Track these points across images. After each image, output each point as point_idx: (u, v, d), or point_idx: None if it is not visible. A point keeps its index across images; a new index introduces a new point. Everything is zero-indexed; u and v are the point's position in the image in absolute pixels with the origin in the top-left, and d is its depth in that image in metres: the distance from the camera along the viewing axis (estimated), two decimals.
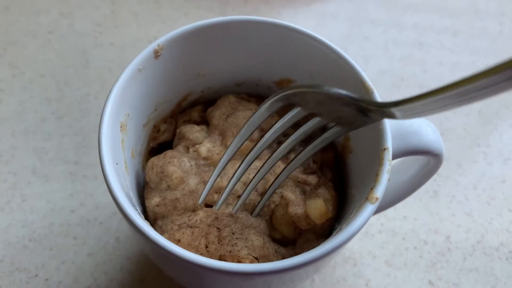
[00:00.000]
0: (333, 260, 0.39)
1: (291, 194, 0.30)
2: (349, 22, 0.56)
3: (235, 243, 0.28)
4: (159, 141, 0.34)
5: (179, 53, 0.31)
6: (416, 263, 0.40)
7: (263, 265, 0.23)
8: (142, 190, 0.32)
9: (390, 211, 0.42)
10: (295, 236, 0.30)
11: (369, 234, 0.41)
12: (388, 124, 0.28)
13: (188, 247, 0.28)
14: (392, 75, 0.52)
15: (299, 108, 0.26)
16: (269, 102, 0.26)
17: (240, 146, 0.27)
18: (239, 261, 0.27)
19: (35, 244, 0.38)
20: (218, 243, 0.28)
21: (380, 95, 0.29)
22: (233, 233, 0.29)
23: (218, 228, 0.29)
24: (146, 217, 0.31)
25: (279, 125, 0.27)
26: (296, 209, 0.29)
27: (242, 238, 0.28)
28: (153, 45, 0.30)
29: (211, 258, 0.27)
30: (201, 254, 0.28)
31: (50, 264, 0.37)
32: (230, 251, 0.28)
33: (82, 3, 0.54)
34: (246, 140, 0.27)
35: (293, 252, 0.30)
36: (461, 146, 0.47)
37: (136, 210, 0.27)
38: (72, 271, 0.37)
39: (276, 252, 0.29)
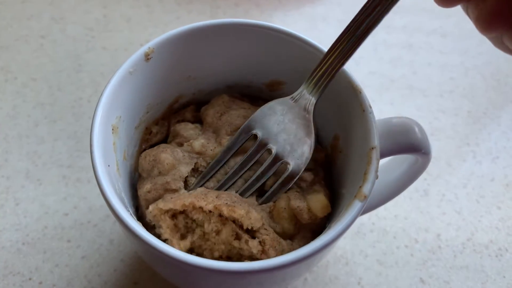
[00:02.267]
0: (324, 258, 0.39)
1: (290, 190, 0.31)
2: (339, 24, 0.57)
3: (233, 204, 0.28)
4: (151, 143, 0.35)
5: (170, 55, 0.32)
6: (407, 261, 0.40)
7: (254, 264, 0.24)
8: (135, 192, 0.33)
9: (381, 210, 0.42)
10: (294, 232, 0.31)
11: (361, 233, 0.41)
12: (376, 124, 0.28)
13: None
14: (382, 76, 0.53)
15: (258, 138, 0.30)
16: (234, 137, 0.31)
17: (221, 166, 0.31)
18: (232, 211, 0.28)
19: (28, 247, 0.38)
20: (216, 197, 0.29)
21: (370, 96, 0.29)
22: (233, 202, 0.29)
23: (217, 196, 0.29)
24: (139, 218, 0.31)
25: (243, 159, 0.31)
26: (298, 202, 0.30)
27: (241, 206, 0.29)
28: (144, 48, 0.30)
29: (207, 204, 0.28)
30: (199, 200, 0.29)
31: (44, 268, 0.38)
32: (227, 203, 0.28)
33: (74, 7, 0.55)
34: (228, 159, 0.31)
35: (291, 247, 0.30)
36: (451, 145, 0.48)
37: (128, 211, 0.27)
38: (66, 274, 0.37)
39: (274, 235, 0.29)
